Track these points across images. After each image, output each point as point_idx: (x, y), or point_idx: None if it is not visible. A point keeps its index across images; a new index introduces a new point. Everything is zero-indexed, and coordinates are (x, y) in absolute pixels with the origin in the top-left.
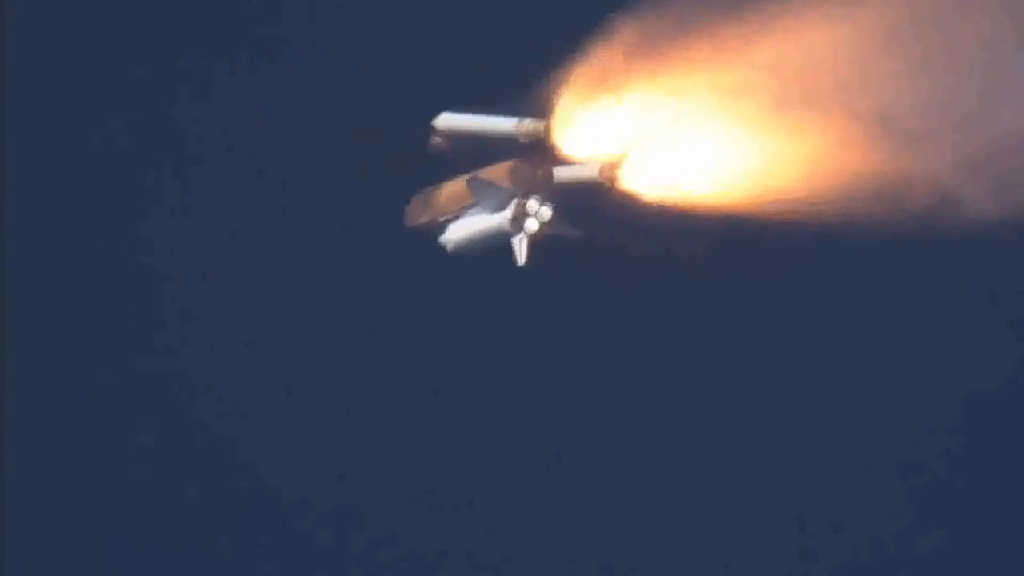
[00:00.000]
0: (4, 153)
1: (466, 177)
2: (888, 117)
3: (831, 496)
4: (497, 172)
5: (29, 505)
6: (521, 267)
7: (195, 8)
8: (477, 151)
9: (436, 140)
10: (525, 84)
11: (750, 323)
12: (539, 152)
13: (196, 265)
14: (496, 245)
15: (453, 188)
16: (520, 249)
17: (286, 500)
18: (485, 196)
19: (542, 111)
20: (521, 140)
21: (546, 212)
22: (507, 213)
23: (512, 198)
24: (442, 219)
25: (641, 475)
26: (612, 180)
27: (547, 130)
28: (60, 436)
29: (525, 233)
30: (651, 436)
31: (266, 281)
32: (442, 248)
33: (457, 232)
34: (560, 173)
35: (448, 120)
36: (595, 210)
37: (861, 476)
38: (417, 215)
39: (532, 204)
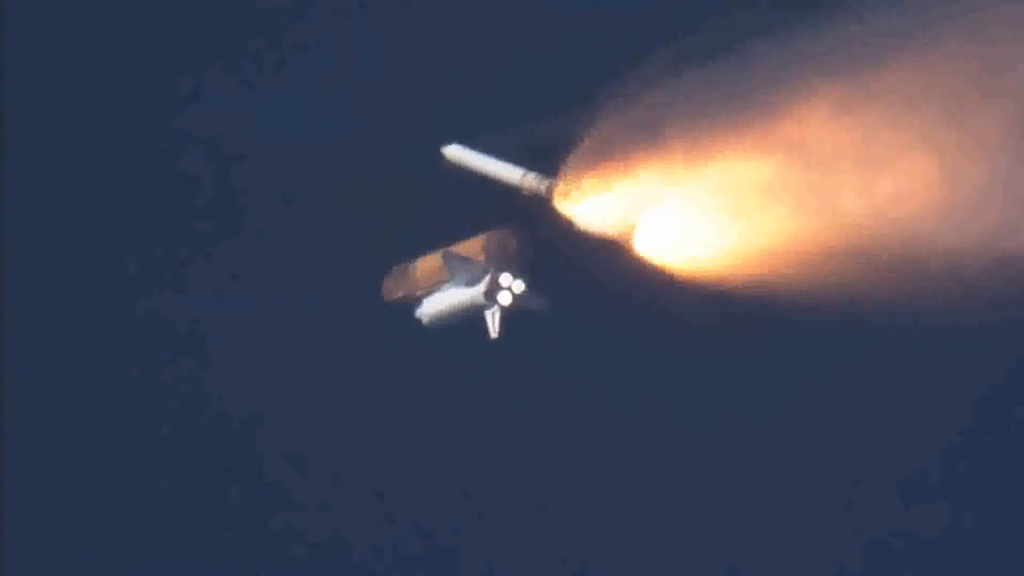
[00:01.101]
0: (4, 153)
1: (441, 252)
2: (896, 197)
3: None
4: (471, 247)
5: (29, 505)
6: (494, 339)
7: (198, 9)
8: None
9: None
10: (539, 137)
11: (736, 406)
12: (526, 218)
13: (196, 267)
14: (470, 318)
15: (428, 263)
16: (493, 322)
17: (289, 504)
18: (459, 271)
19: (549, 170)
20: (523, 192)
21: (519, 285)
22: (481, 287)
23: (486, 272)
24: (418, 293)
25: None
26: (550, 195)
27: (549, 191)
28: (60, 436)
29: (499, 306)
30: (626, 501)
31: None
32: (418, 322)
33: (432, 306)
34: (512, 177)
35: (457, 152)
36: (569, 282)
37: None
38: (394, 290)
39: (505, 278)
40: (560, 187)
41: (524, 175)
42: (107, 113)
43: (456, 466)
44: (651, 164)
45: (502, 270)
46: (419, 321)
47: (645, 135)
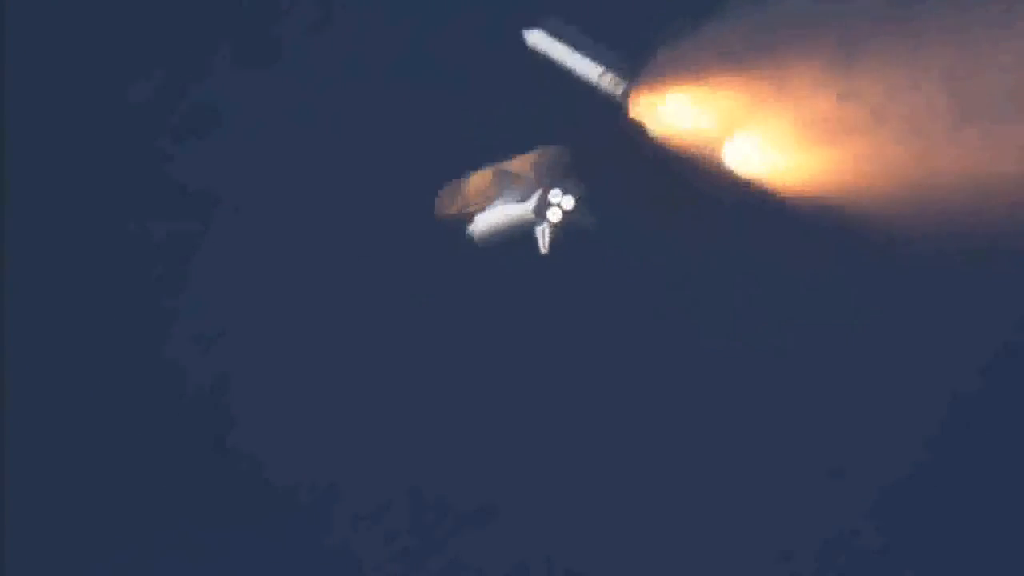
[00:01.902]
0: (4, 153)
1: (492, 169)
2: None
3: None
4: (522, 163)
5: (29, 505)
6: (544, 255)
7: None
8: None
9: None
10: (625, 37)
11: (771, 315)
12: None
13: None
14: (521, 235)
15: (479, 180)
16: (543, 238)
17: (291, 501)
18: (510, 187)
19: (629, 73)
20: (598, 90)
21: (569, 201)
22: (531, 204)
23: (536, 189)
24: (469, 210)
25: (658, 464)
26: (625, 99)
27: (625, 94)
28: (60, 436)
29: (548, 223)
30: (668, 426)
31: (285, 273)
32: (469, 238)
33: (483, 223)
34: (591, 74)
35: (539, 38)
36: (611, 199)
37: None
38: (445, 207)
39: (555, 194)
40: (637, 92)
41: (603, 73)
42: (111, 111)
43: (506, 379)
44: (737, 82)
45: (552, 187)
46: (470, 238)
47: (735, 52)
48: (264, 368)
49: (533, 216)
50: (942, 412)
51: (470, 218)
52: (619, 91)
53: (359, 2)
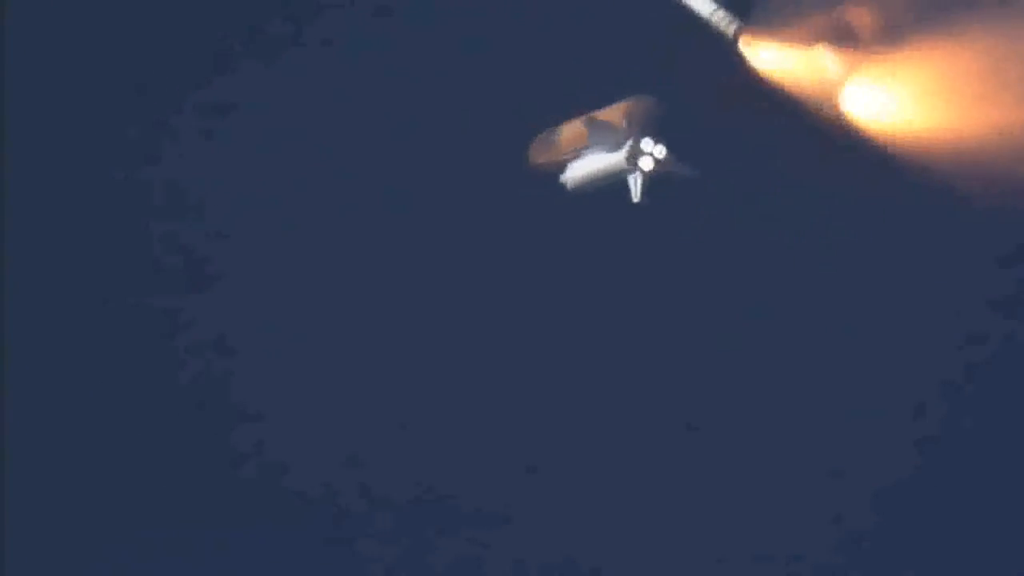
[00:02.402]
0: (4, 153)
1: (583, 118)
2: None
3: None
4: (613, 112)
5: (29, 505)
6: (636, 204)
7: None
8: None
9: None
10: None
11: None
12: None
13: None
14: (613, 183)
15: (571, 129)
16: (636, 187)
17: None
18: (601, 136)
19: (745, 16)
20: (710, 28)
21: (661, 150)
22: (623, 152)
23: (628, 138)
24: (562, 159)
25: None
26: (736, 38)
27: (737, 34)
28: (60, 436)
29: (640, 171)
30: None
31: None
32: (562, 186)
33: (576, 171)
34: (704, 9)
35: None
36: (708, 148)
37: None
38: (538, 155)
39: (647, 143)
40: (750, 33)
41: (715, 10)
42: (110, 111)
43: (598, 324)
44: (857, 30)
45: (645, 135)
46: (563, 186)
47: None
48: (275, 364)
49: (625, 164)
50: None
51: (563, 167)
52: (731, 30)
53: None
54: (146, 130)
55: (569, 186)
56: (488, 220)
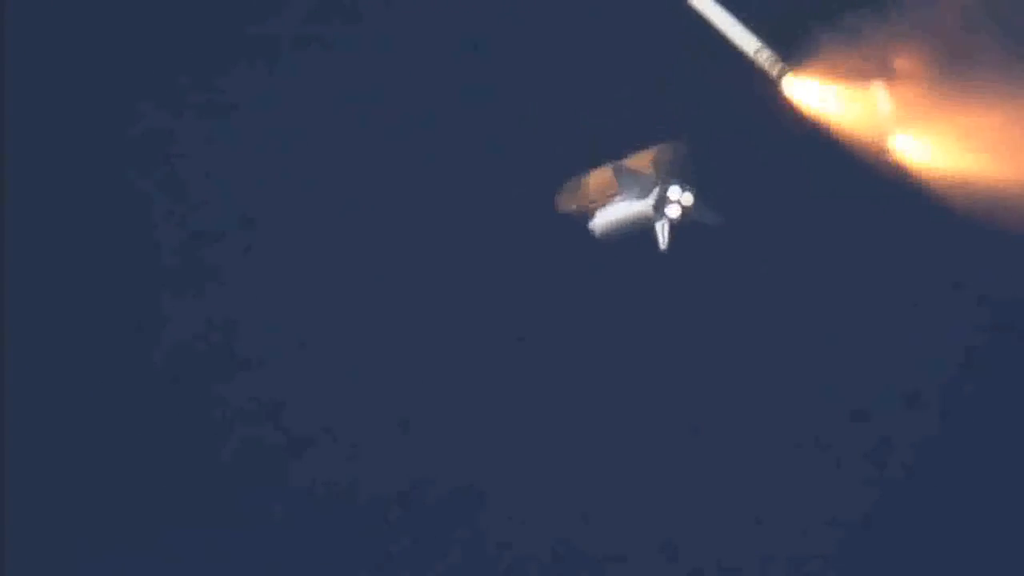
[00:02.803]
0: (4, 153)
1: (612, 165)
2: None
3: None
4: (641, 160)
5: (29, 505)
6: (663, 251)
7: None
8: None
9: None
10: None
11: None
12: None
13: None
14: (640, 230)
15: (600, 177)
16: (663, 234)
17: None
18: (629, 184)
19: (789, 56)
20: (753, 64)
21: (688, 198)
22: (650, 199)
23: (655, 185)
24: (590, 205)
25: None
26: (781, 78)
27: (781, 73)
28: (60, 436)
29: (667, 219)
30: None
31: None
32: (590, 233)
33: (604, 218)
34: (748, 45)
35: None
36: (732, 196)
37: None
38: (567, 202)
39: (674, 190)
40: (794, 74)
41: (759, 50)
42: (112, 110)
43: (622, 367)
44: (905, 74)
45: (672, 183)
46: (592, 232)
47: (914, 43)
48: (275, 365)
49: (652, 212)
50: None
51: (591, 213)
52: (776, 69)
53: None
54: (145, 131)
55: (597, 233)
56: (516, 264)
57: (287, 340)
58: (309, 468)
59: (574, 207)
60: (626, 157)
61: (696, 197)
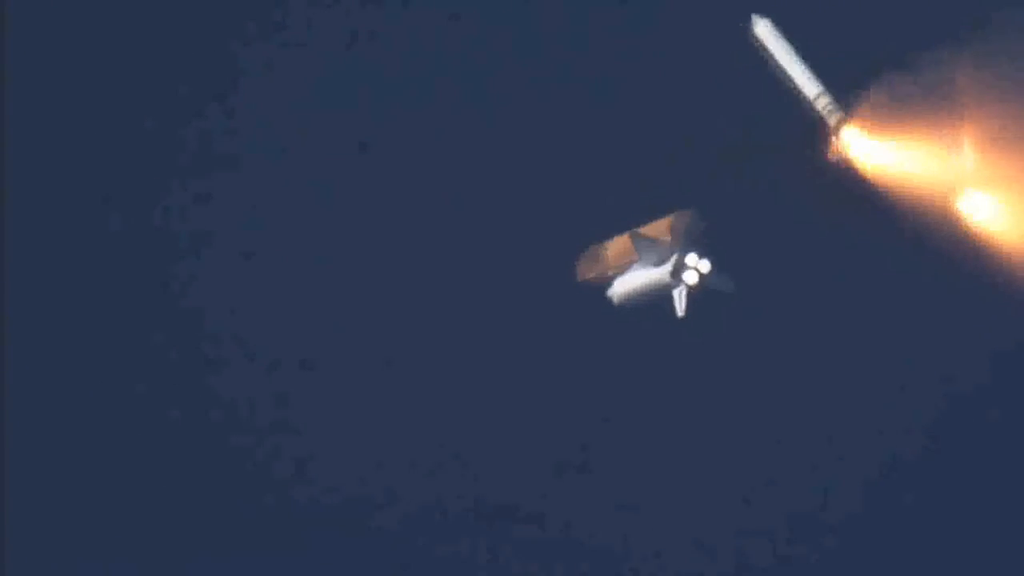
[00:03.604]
0: (4, 153)
1: (629, 233)
2: None
3: None
4: (658, 227)
5: (29, 505)
6: (681, 318)
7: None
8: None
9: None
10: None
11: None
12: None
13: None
14: (658, 297)
15: (618, 245)
16: (680, 301)
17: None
18: (647, 251)
19: (848, 108)
20: (813, 111)
21: (705, 265)
22: (668, 267)
23: (672, 252)
24: (609, 273)
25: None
26: (837, 129)
27: (839, 124)
28: (59, 437)
29: (685, 285)
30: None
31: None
32: (609, 300)
33: (622, 286)
34: (808, 89)
35: (766, 30)
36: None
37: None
38: (587, 270)
39: (691, 257)
40: (852, 125)
41: (820, 94)
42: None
43: (645, 434)
44: (968, 135)
45: (689, 250)
46: (611, 300)
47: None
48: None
49: (670, 279)
50: None
51: (610, 281)
52: (834, 119)
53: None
54: (144, 130)
55: (616, 300)
56: (538, 332)
57: (290, 337)
58: (314, 477)
59: (593, 275)
60: (644, 224)
61: (713, 264)
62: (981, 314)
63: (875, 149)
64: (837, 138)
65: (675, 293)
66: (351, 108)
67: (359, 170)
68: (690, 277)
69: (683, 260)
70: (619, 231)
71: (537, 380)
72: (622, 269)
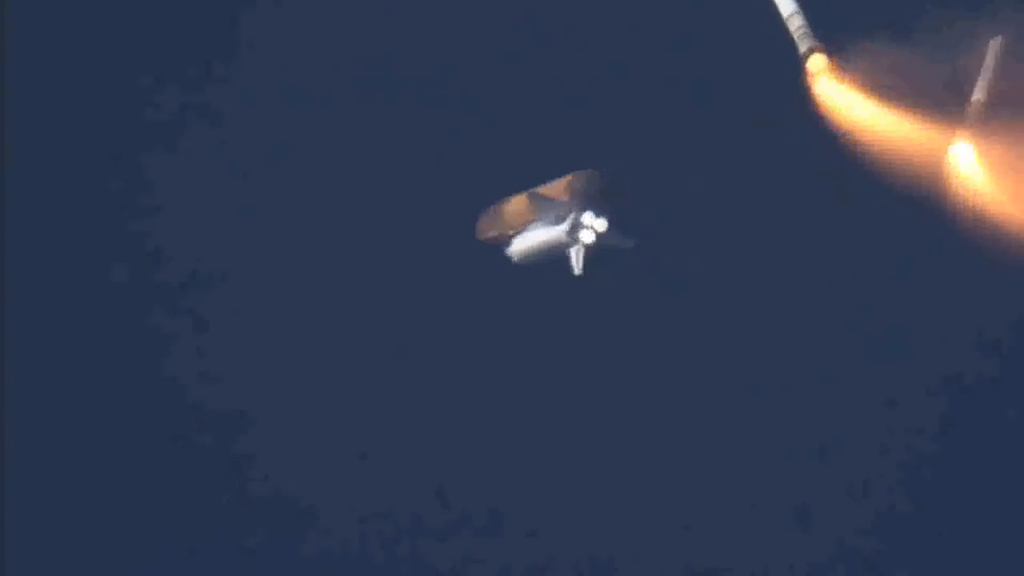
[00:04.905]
0: (4, 153)
1: (527, 193)
2: None
3: None
4: (556, 187)
5: (29, 505)
6: (577, 275)
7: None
8: None
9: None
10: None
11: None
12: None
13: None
14: (556, 255)
15: (517, 204)
16: (577, 259)
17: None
18: (545, 210)
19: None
20: (793, 37)
21: (601, 224)
22: (564, 226)
23: (570, 212)
24: (509, 232)
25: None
26: (805, 59)
27: (807, 54)
28: (60, 437)
29: (582, 244)
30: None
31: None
32: (508, 259)
33: (521, 244)
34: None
35: None
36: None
37: None
38: (486, 229)
39: (588, 216)
40: (820, 62)
41: (796, 14)
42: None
43: (536, 388)
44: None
45: (586, 209)
46: (510, 258)
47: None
48: (269, 371)
49: (567, 238)
50: None
51: (510, 240)
52: (804, 45)
53: None
54: (144, 131)
55: (515, 259)
56: (439, 289)
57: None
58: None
59: (494, 234)
60: (542, 184)
61: (610, 222)
62: (944, 270)
63: (842, 92)
64: (805, 67)
65: (572, 251)
66: None
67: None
68: (587, 236)
69: (580, 219)
70: (518, 191)
71: (434, 338)
72: (521, 228)
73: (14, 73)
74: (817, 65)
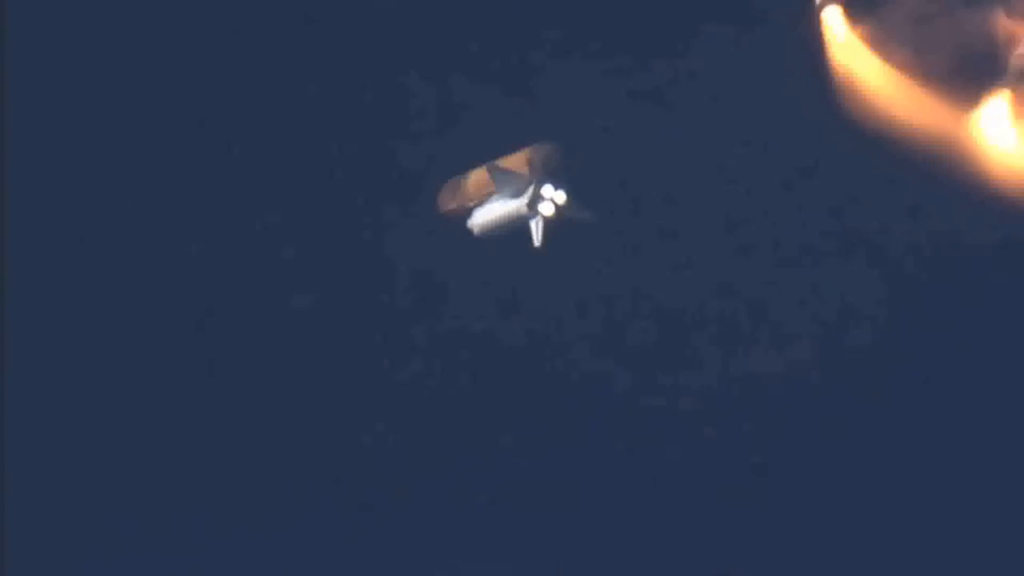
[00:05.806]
0: (4, 153)
1: (487, 166)
2: None
3: None
4: (517, 160)
5: (29, 505)
6: (537, 247)
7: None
8: None
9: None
10: None
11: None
12: None
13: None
14: (517, 228)
15: (477, 177)
16: (537, 231)
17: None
18: (505, 183)
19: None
20: None
21: (561, 196)
22: (525, 198)
23: (529, 184)
24: (469, 205)
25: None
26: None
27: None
28: (59, 437)
29: (541, 216)
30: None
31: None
32: (469, 231)
33: (482, 217)
34: None
35: None
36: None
37: None
38: (447, 202)
39: (548, 189)
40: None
41: None
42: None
43: (499, 363)
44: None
45: (545, 182)
46: (471, 231)
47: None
48: (259, 367)
49: (527, 210)
50: None
51: (470, 213)
52: None
53: None
54: (145, 130)
55: (476, 231)
56: (398, 265)
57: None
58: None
59: (454, 206)
60: (502, 157)
61: (569, 195)
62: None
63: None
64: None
65: (532, 224)
66: None
67: None
68: (546, 208)
69: (539, 192)
70: (478, 164)
71: (396, 313)
72: (481, 201)
73: (14, 73)
74: (832, 16)
